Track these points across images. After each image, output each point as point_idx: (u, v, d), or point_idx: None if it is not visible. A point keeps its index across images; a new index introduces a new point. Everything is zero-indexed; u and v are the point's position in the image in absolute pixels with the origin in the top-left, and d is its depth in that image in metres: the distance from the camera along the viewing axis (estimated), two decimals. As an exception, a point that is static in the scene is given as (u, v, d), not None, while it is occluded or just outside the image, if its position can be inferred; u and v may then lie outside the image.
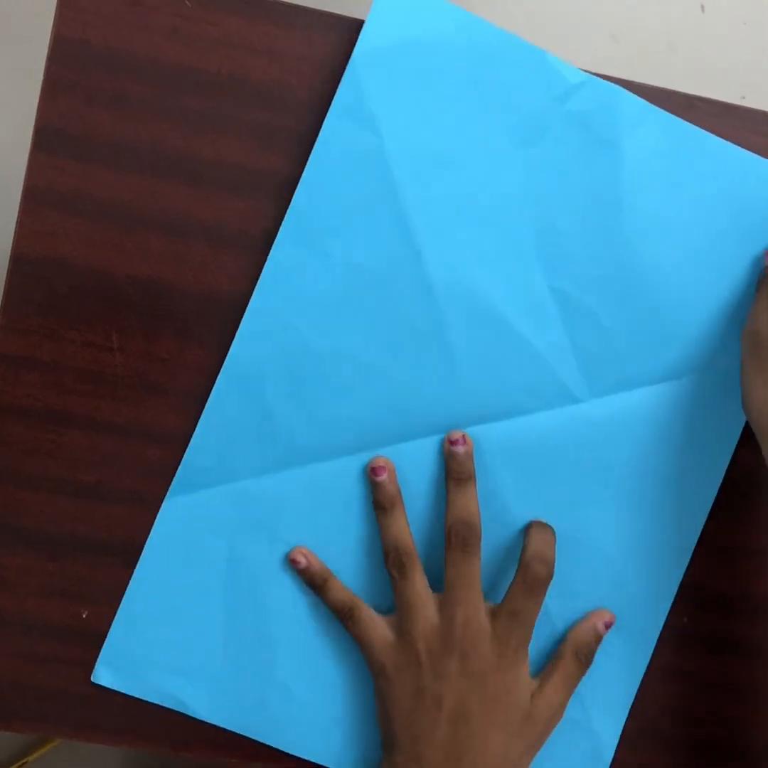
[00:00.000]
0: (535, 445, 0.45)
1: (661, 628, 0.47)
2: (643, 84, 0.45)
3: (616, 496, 0.46)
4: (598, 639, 0.45)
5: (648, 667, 0.47)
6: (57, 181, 0.44)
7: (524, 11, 1.14)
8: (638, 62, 1.16)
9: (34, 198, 0.44)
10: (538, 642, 0.46)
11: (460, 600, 0.43)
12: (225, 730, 0.46)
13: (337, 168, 0.43)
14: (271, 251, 0.44)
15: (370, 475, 0.44)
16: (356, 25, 0.44)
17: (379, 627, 0.44)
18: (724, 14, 1.18)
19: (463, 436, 0.44)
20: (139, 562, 0.45)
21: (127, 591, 0.45)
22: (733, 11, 1.18)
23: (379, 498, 0.44)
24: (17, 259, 0.44)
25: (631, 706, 0.47)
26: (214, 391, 0.44)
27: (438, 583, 0.44)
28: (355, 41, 0.43)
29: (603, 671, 0.47)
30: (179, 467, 0.45)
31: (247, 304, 0.44)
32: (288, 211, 0.44)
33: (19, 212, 0.44)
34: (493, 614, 0.43)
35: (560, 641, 0.46)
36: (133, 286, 0.45)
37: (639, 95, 0.44)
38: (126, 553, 0.46)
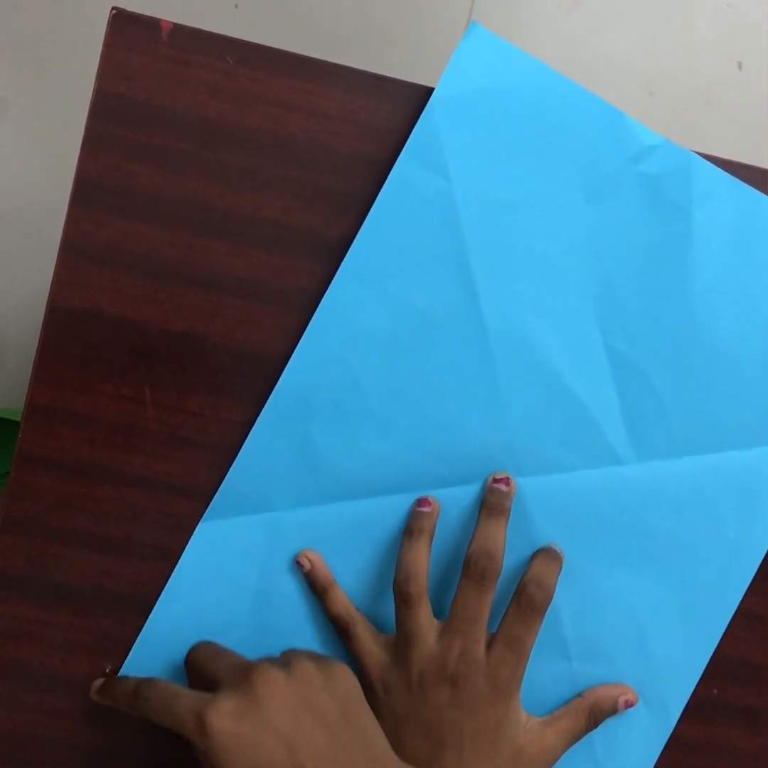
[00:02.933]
0: (575, 503, 0.45)
1: (685, 703, 0.46)
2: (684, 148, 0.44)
3: (652, 564, 0.45)
4: (615, 711, 0.45)
5: (674, 738, 0.46)
6: (94, 234, 0.44)
7: (559, 63, 1.15)
8: (674, 118, 1.16)
9: (71, 250, 0.44)
10: (557, 697, 0.46)
11: (461, 631, 0.42)
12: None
13: (404, 208, 0.43)
14: (331, 284, 0.44)
15: (415, 505, 0.44)
16: (396, 86, 0.44)
17: (375, 646, 0.44)
18: (762, 71, 1.18)
19: (508, 478, 0.44)
20: (168, 583, 0.45)
21: (154, 610, 0.45)
22: (771, 69, 1.19)
23: (412, 524, 0.44)
24: (53, 310, 0.44)
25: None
26: (261, 418, 0.44)
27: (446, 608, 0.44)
28: (395, 101, 0.43)
29: (623, 739, 0.46)
30: (218, 491, 0.45)
31: (280, 360, 0.44)
32: (352, 246, 0.43)
33: (56, 264, 0.44)
34: (489, 644, 0.43)
35: (577, 695, 0.45)
36: (167, 339, 0.45)
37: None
38: (152, 610, 0.45)
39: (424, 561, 0.44)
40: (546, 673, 0.46)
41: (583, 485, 0.45)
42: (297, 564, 0.45)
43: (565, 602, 0.45)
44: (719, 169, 0.44)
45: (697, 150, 0.44)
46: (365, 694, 0.43)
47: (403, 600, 0.43)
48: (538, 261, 0.44)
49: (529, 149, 0.43)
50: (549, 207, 0.43)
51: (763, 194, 0.44)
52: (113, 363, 0.44)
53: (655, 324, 0.44)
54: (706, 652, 0.46)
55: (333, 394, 0.44)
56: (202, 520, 0.45)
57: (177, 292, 0.44)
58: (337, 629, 0.44)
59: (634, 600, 0.45)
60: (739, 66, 1.17)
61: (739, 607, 0.46)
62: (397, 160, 0.43)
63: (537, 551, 0.45)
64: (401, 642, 0.43)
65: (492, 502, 0.44)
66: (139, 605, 0.45)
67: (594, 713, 0.44)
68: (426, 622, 0.43)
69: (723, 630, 0.46)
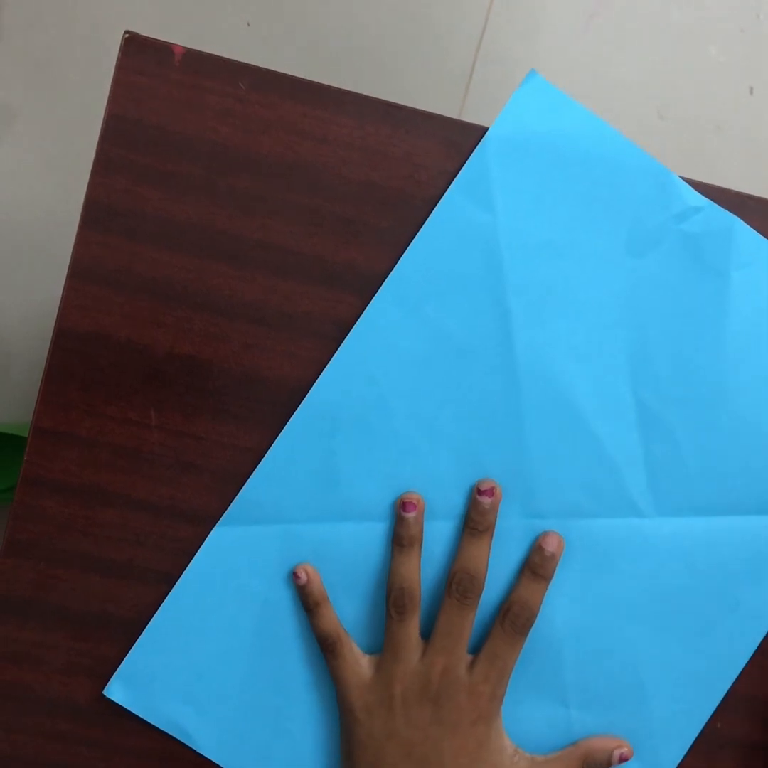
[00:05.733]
0: (590, 550, 0.45)
1: (679, 762, 0.45)
2: (696, 180, 0.44)
3: (661, 620, 0.45)
4: (609, 764, 0.44)
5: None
6: (103, 257, 0.44)
7: (568, 84, 1.15)
8: (684, 142, 1.16)
9: (79, 273, 0.44)
10: (551, 742, 0.45)
11: (444, 650, 0.42)
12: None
13: (449, 237, 0.44)
14: (370, 304, 0.44)
15: (399, 508, 0.44)
16: (406, 114, 0.44)
17: (358, 666, 0.44)
18: (773, 97, 1.18)
19: (493, 487, 0.44)
20: (176, 585, 0.45)
21: (158, 611, 0.45)
22: (782, 93, 1.19)
23: (400, 533, 0.44)
24: (61, 333, 0.44)
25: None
26: (286, 429, 0.44)
27: (431, 626, 0.44)
28: (406, 129, 0.44)
29: None
30: (236, 497, 0.45)
31: (287, 385, 0.44)
32: (394, 268, 0.44)
33: (64, 287, 0.44)
34: (472, 662, 0.43)
35: (572, 743, 0.45)
36: (174, 363, 0.44)
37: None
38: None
39: (416, 573, 0.44)
40: (542, 717, 0.45)
41: (600, 533, 0.45)
42: (293, 576, 0.44)
43: (568, 647, 0.45)
44: (759, 235, 0.44)
45: (706, 175, 0.44)
46: (344, 717, 0.43)
47: (396, 611, 0.43)
48: (574, 305, 0.44)
49: (575, 196, 0.44)
50: (590, 255, 0.44)
51: None
52: (119, 386, 0.44)
53: (686, 382, 0.44)
54: (704, 715, 0.45)
55: (360, 412, 0.44)
56: (217, 524, 0.45)
57: (184, 315, 0.44)
58: (322, 647, 0.44)
59: (638, 654, 0.45)
60: (751, 91, 1.17)
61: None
62: (446, 191, 0.44)
63: (524, 567, 0.44)
64: (387, 657, 0.43)
65: (475, 519, 0.44)
66: (141, 630, 0.45)
67: (587, 763, 0.44)
68: (414, 637, 0.43)
69: (721, 696, 0.45)
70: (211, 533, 0.45)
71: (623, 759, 0.44)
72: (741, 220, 0.44)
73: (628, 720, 0.45)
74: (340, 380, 0.44)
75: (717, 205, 0.44)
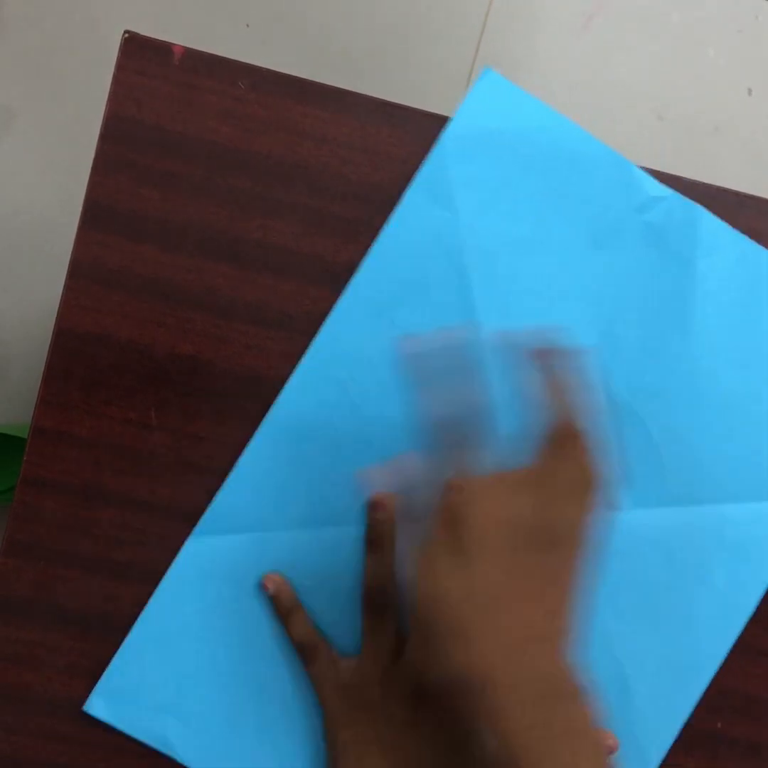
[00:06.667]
0: None
1: (664, 754, 0.45)
2: (695, 180, 0.44)
3: (641, 611, 0.45)
4: None
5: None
6: (103, 256, 0.44)
7: (570, 86, 1.15)
8: (683, 142, 1.16)
9: (79, 273, 0.44)
10: None
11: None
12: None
13: (411, 239, 0.44)
14: (334, 309, 0.44)
15: (369, 509, 0.44)
16: (406, 114, 0.44)
17: (336, 670, 0.43)
18: (772, 97, 1.18)
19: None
20: (151, 598, 0.45)
21: (135, 625, 0.45)
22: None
23: (372, 537, 0.44)
24: (61, 333, 0.44)
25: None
26: (255, 437, 0.44)
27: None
28: (405, 129, 0.44)
29: None
30: (208, 508, 0.44)
31: (287, 384, 0.44)
32: (356, 273, 0.44)
33: (64, 287, 0.44)
34: None
35: None
36: (174, 363, 0.44)
37: (689, 190, 0.44)
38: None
39: (390, 574, 0.44)
40: None
41: None
42: (262, 587, 0.44)
43: None
44: (724, 223, 0.44)
45: (705, 175, 0.44)
46: (327, 723, 0.42)
47: (372, 612, 0.43)
48: (539, 300, 0.44)
49: (536, 191, 0.44)
50: (553, 249, 0.44)
51: (765, 249, 0.44)
52: (120, 386, 0.44)
53: (655, 373, 0.44)
54: (688, 705, 0.45)
55: (330, 417, 0.44)
56: (190, 536, 0.45)
57: (185, 316, 0.44)
58: (299, 654, 0.44)
59: (619, 646, 0.45)
60: (749, 92, 1.17)
61: (745, 642, 0.45)
62: (406, 192, 0.43)
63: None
64: (365, 658, 0.43)
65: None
66: (141, 630, 0.45)
67: None
68: (392, 637, 0.43)
69: (703, 688, 0.45)
70: (184, 545, 0.45)
71: (609, 750, 0.44)
72: (704, 209, 0.44)
73: (612, 713, 0.45)
74: (308, 386, 0.44)
75: (680, 195, 0.44)
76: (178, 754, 0.45)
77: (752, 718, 0.47)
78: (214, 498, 0.44)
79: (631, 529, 0.45)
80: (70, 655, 0.45)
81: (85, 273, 0.44)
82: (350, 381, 0.44)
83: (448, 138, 0.43)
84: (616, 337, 0.44)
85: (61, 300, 0.44)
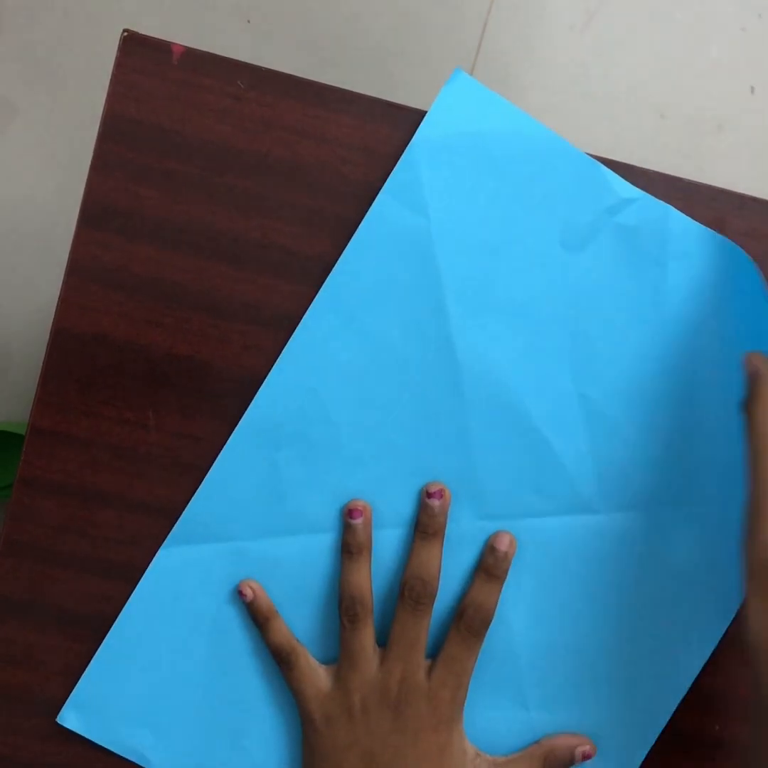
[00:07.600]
0: (541, 549, 0.44)
1: (641, 760, 0.45)
2: (696, 181, 0.44)
3: (616, 615, 0.44)
4: (572, 762, 0.44)
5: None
6: (101, 256, 0.44)
7: (571, 84, 1.15)
8: (686, 141, 1.16)
9: (78, 272, 0.44)
10: (512, 746, 0.45)
11: (401, 657, 0.42)
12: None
13: (382, 244, 0.43)
14: (305, 316, 0.44)
15: (346, 516, 0.44)
16: (406, 114, 0.44)
17: (315, 676, 0.43)
18: (775, 96, 1.18)
19: (442, 489, 0.43)
20: (124, 607, 0.44)
21: (107, 636, 0.44)
22: (783, 93, 1.18)
23: (348, 541, 0.44)
24: (58, 333, 0.44)
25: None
26: (227, 446, 0.44)
27: (387, 633, 0.44)
28: (405, 129, 0.43)
29: None
30: (180, 518, 0.44)
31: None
32: (328, 278, 0.43)
33: (62, 286, 0.44)
34: (430, 668, 0.43)
35: (534, 742, 0.45)
36: (172, 364, 0.44)
37: (689, 192, 0.44)
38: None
39: (367, 581, 0.44)
40: (502, 719, 0.45)
41: (551, 532, 0.44)
42: (239, 593, 0.44)
43: (525, 648, 0.45)
44: (697, 223, 0.43)
45: (707, 174, 0.44)
46: (305, 727, 0.43)
47: (349, 620, 0.43)
48: (513, 305, 0.44)
49: (507, 194, 0.43)
50: (526, 252, 0.44)
51: (739, 247, 0.43)
52: (117, 386, 0.44)
53: (629, 375, 0.44)
54: (666, 711, 0.45)
55: (302, 425, 0.44)
56: (162, 546, 0.44)
57: (183, 316, 0.44)
58: (277, 660, 0.44)
59: (596, 651, 0.45)
60: (752, 90, 1.17)
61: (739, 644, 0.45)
62: (377, 197, 0.43)
63: (478, 568, 0.44)
64: (344, 666, 0.43)
65: (425, 522, 0.43)
66: (139, 631, 0.45)
67: (549, 761, 0.44)
68: (369, 643, 0.43)
69: (684, 691, 0.45)
70: (156, 555, 0.44)
71: (586, 756, 0.44)
72: (675, 209, 0.43)
73: (588, 719, 0.45)
74: (280, 393, 0.44)
75: (650, 196, 0.43)
76: (154, 766, 0.45)
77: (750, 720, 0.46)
78: (185, 508, 0.44)
79: (606, 532, 0.44)
80: (67, 656, 0.45)
81: (83, 272, 0.44)
82: (322, 387, 0.44)
83: (418, 142, 0.43)
84: (588, 341, 0.44)
85: (59, 299, 0.44)
